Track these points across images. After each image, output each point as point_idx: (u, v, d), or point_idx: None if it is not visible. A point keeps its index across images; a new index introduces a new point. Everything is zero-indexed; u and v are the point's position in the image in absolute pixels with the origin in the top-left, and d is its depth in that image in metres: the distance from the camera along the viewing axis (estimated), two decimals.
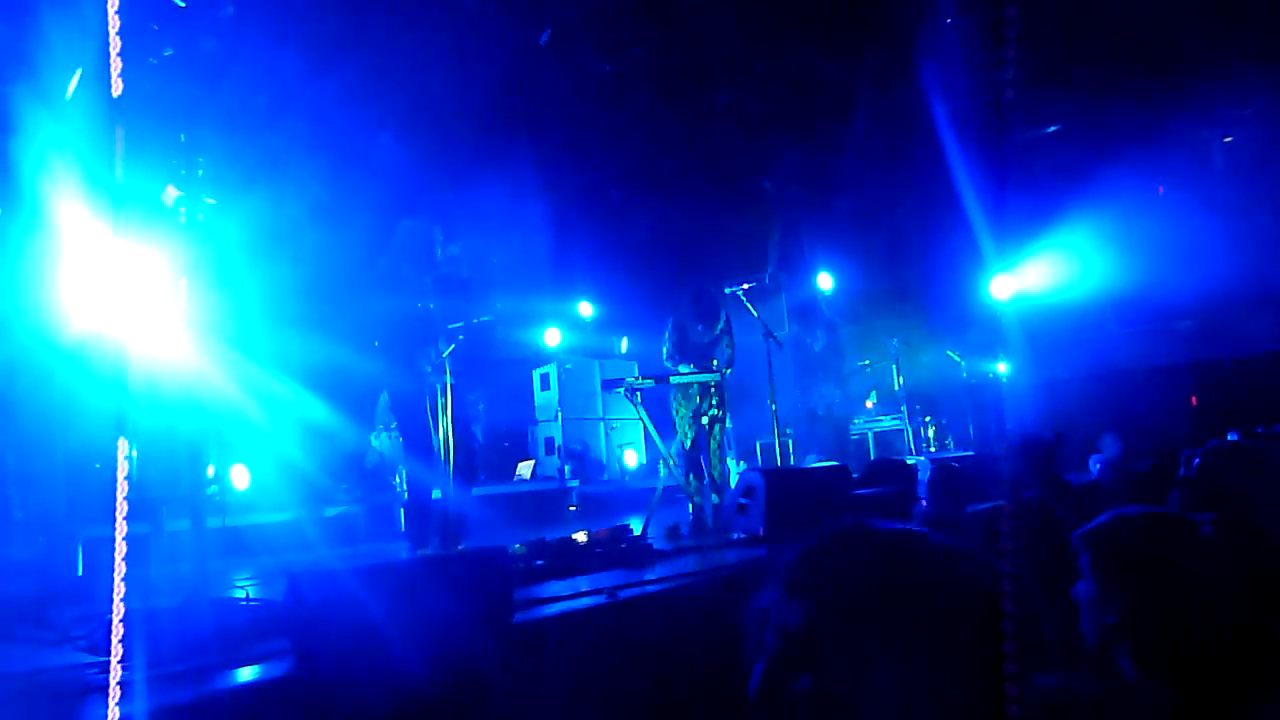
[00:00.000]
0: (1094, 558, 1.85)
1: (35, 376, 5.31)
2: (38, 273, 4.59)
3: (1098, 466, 6.13)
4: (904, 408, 9.62)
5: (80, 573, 5.27)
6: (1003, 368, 10.27)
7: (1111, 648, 1.78)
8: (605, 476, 9.83)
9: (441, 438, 4.97)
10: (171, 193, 3.86)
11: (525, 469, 9.97)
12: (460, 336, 5.16)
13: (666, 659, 3.69)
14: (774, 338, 7.07)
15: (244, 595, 3.79)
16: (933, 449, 9.50)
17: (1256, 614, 1.71)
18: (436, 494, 5.11)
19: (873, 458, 9.44)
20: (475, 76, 8.64)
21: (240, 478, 6.80)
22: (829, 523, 1.21)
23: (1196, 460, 2.81)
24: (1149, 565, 1.79)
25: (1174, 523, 1.86)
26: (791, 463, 8.73)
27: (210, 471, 4.64)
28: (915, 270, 11.09)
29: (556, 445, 9.71)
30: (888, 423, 10.02)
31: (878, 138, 10.45)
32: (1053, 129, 11.01)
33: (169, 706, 2.47)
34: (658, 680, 3.56)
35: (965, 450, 8.27)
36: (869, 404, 10.30)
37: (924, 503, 6.23)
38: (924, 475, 6.42)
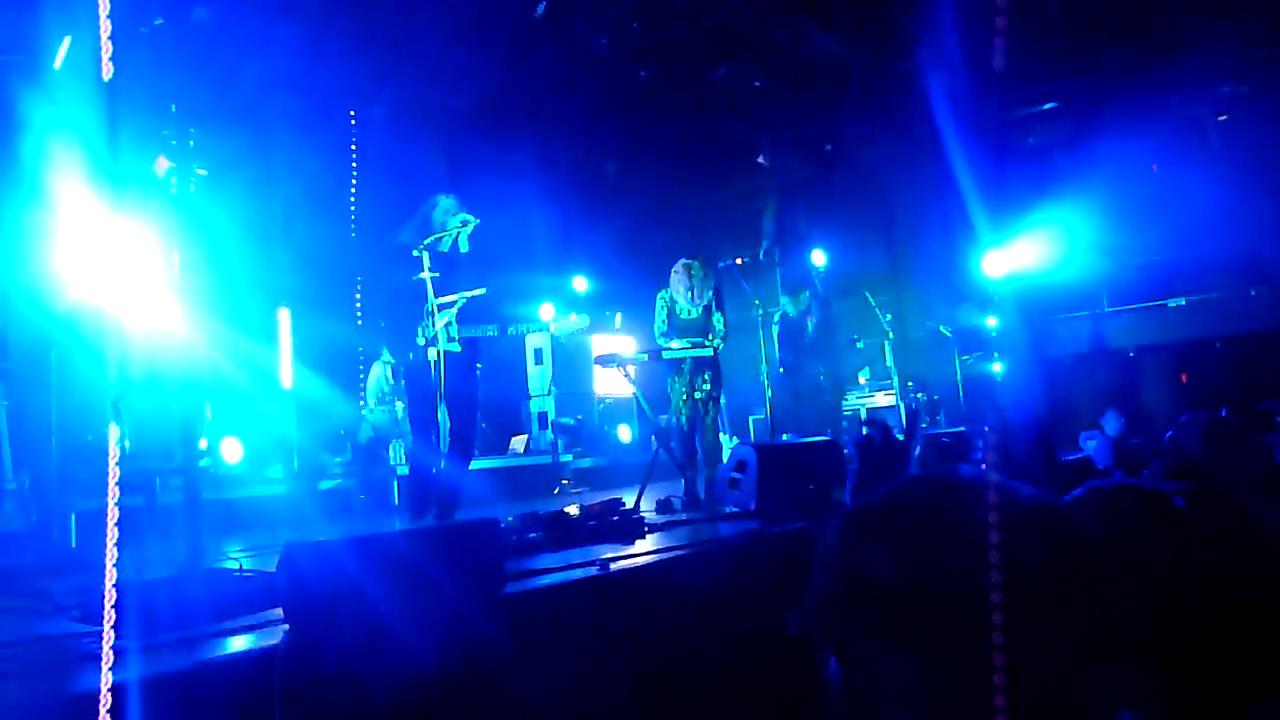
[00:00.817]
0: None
1: (27, 348, 5.30)
2: (33, 244, 4.57)
3: (1091, 443, 6.18)
4: (896, 383, 9.65)
5: (73, 544, 5.28)
6: (997, 367, 10.30)
7: None
8: (598, 451, 9.86)
9: (440, 411, 4.98)
10: (163, 163, 3.84)
11: (519, 443, 9.99)
12: (452, 309, 5.15)
13: (658, 630, 3.72)
14: (768, 313, 7.08)
15: (237, 566, 3.81)
16: (924, 424, 9.55)
17: (1227, 585, 1.73)
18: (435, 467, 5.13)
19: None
20: (471, 51, 8.58)
21: (232, 451, 6.81)
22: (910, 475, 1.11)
23: (1170, 432, 2.85)
24: (1122, 537, 1.78)
25: (1146, 495, 1.87)
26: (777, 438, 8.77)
27: (203, 444, 4.66)
28: (910, 246, 11.09)
29: (550, 419, 9.74)
30: (880, 398, 10.06)
31: (873, 113, 10.41)
32: (1047, 105, 10.98)
33: (162, 675, 2.49)
34: (649, 651, 3.60)
35: (956, 426, 8.30)
36: (861, 379, 10.33)
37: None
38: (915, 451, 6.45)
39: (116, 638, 2.90)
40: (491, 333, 5.39)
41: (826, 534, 1.07)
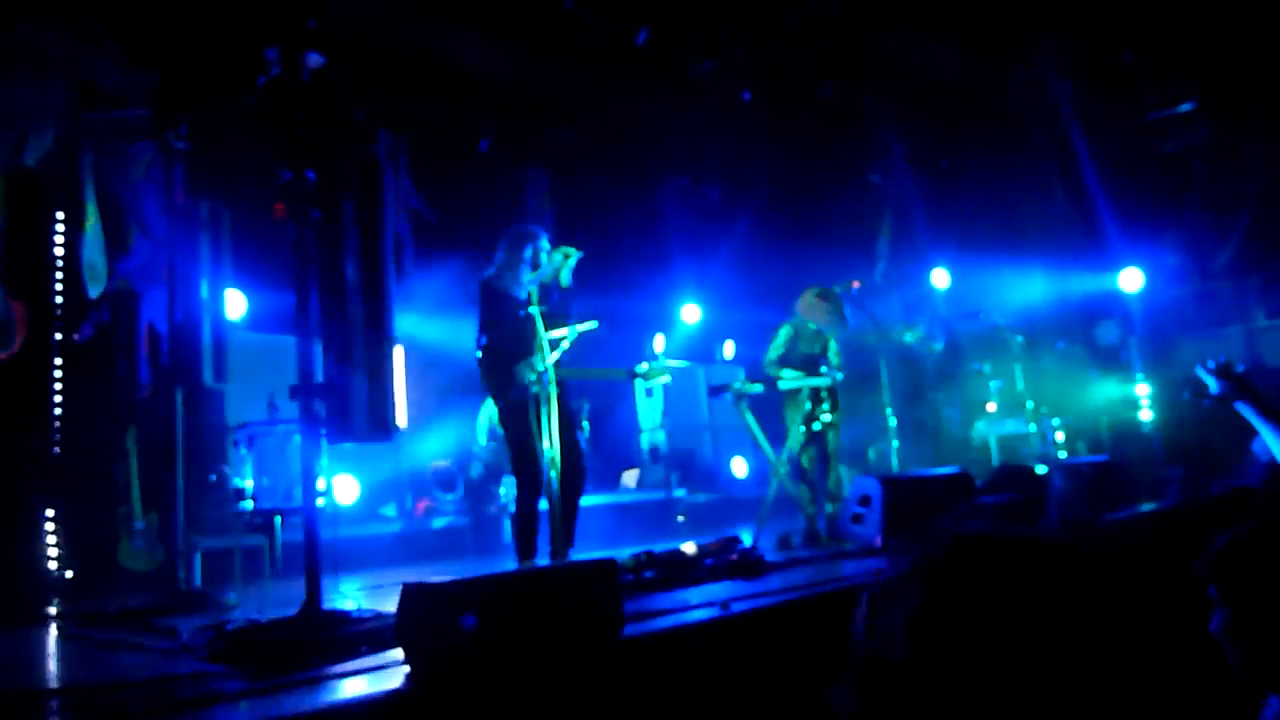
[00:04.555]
0: (1222, 585, 1.73)
1: (155, 393, 5.51)
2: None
3: (1254, 469, 5.63)
4: (1029, 410, 9.09)
5: (198, 583, 5.42)
6: (1141, 389, 9.63)
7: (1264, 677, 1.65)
8: (712, 486, 9.65)
9: (548, 447, 4.88)
10: (279, 210, 3.90)
11: (630, 478, 9.87)
12: (564, 345, 5.05)
13: (782, 675, 3.52)
14: (888, 339, 6.82)
15: (355, 606, 3.82)
16: (1063, 454, 8.95)
17: None
18: (544, 505, 5.03)
19: (995, 464, 8.97)
20: (576, 81, 8.60)
21: (347, 490, 6.91)
22: (950, 527, 1.16)
23: None
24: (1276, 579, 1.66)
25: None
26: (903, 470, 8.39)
27: (321, 485, 4.68)
28: (1037, 263, 10.52)
29: (661, 453, 9.58)
30: (1011, 426, 9.49)
31: (992, 125, 9.98)
32: (1184, 108, 10.28)
33: (287, 715, 2.50)
34: (773, 697, 3.40)
35: (1098, 455, 7.75)
36: (990, 407, 9.77)
37: (1052, 514, 5.86)
38: (1058, 482, 6.04)
39: (243, 677, 2.94)
40: (604, 375, 5.26)
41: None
